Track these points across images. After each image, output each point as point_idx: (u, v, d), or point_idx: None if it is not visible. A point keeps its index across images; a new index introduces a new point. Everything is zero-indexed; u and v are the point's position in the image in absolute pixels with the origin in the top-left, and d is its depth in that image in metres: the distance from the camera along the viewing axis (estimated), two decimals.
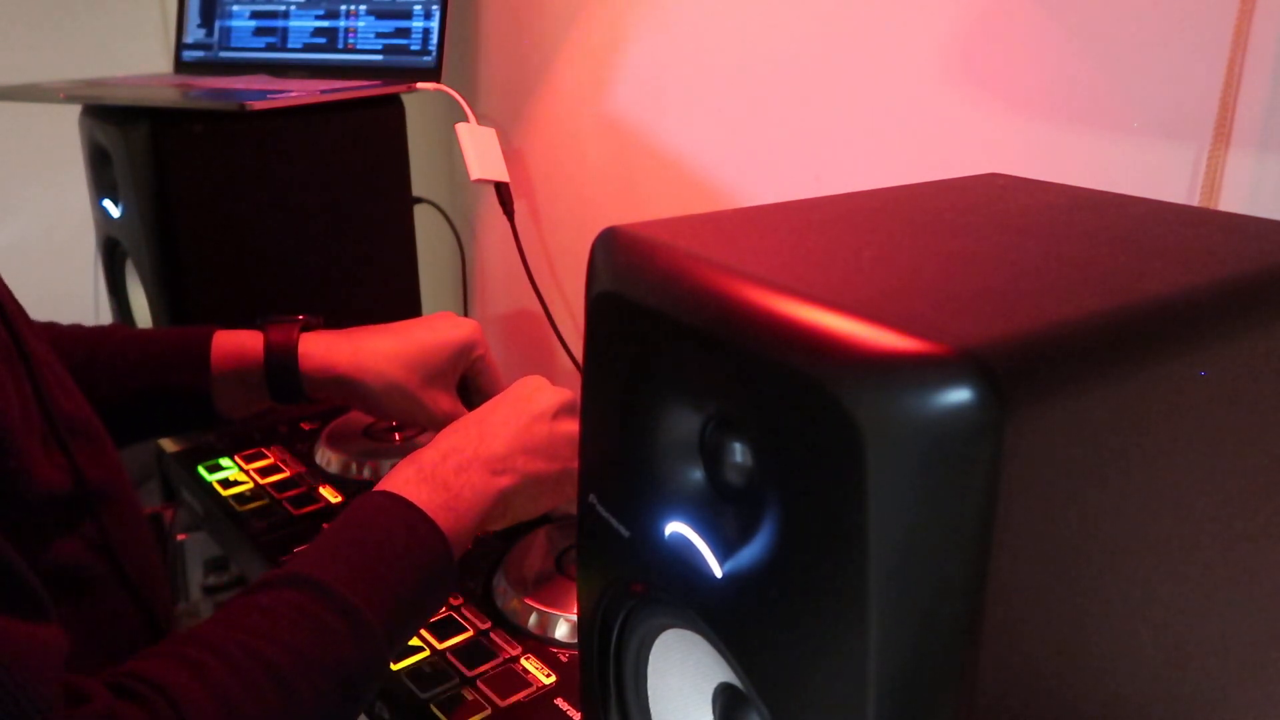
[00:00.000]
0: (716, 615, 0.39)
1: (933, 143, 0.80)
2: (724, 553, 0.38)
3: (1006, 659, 0.33)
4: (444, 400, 0.81)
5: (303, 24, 1.16)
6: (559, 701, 0.62)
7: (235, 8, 1.21)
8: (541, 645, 0.67)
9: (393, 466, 0.64)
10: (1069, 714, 0.37)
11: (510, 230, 1.08)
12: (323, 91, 0.99)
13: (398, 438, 0.94)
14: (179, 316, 0.98)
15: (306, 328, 0.81)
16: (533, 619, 0.69)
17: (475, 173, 1.05)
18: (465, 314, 1.37)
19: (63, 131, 1.07)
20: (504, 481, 0.64)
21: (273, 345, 0.79)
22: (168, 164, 0.94)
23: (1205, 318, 0.37)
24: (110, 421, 0.65)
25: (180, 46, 1.25)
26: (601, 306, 0.43)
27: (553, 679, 0.64)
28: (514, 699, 0.62)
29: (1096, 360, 0.33)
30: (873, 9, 0.82)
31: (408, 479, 0.62)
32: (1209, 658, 0.42)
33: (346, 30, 1.13)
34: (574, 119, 1.15)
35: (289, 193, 1.02)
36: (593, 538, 0.46)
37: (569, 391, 0.70)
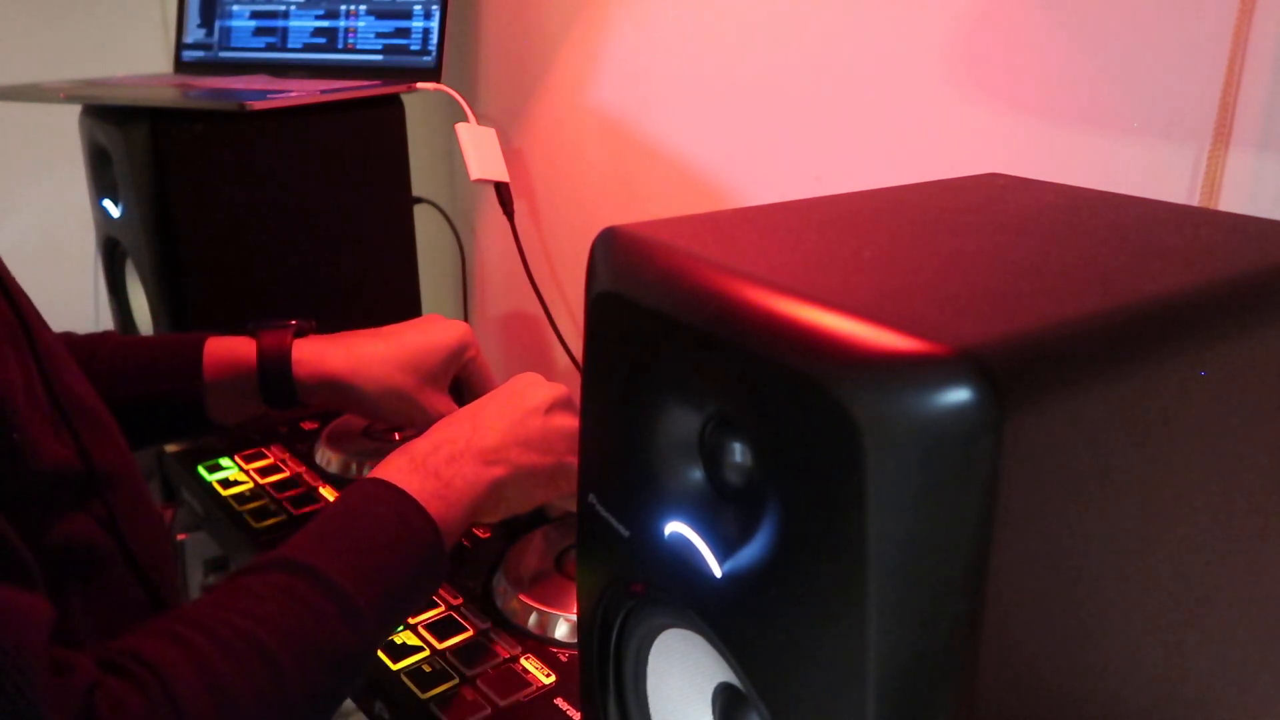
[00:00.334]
0: (716, 615, 0.39)
1: (933, 143, 0.80)
2: (724, 553, 0.38)
3: (1006, 659, 0.33)
4: (439, 401, 0.81)
5: (303, 24, 1.16)
6: (559, 701, 0.62)
7: (235, 8, 1.21)
8: (541, 645, 0.67)
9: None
10: (1069, 714, 0.37)
11: (510, 230, 1.08)
12: (323, 91, 0.99)
13: (397, 437, 0.94)
14: (179, 316, 0.98)
15: (299, 333, 0.81)
16: (533, 619, 0.69)
17: (475, 173, 1.06)
18: (465, 314, 1.37)
19: (63, 131, 1.07)
20: (496, 472, 0.64)
21: (265, 351, 0.79)
22: (168, 164, 0.94)
23: (1205, 318, 0.37)
24: None
25: (180, 46, 1.25)
26: (601, 306, 0.43)
27: (553, 679, 0.64)
28: (514, 699, 0.62)
29: (1096, 360, 0.33)
30: (873, 10, 0.82)
31: (399, 468, 0.62)
32: (1209, 658, 0.42)
33: (346, 30, 1.13)
34: (574, 119, 1.15)
35: (289, 193, 1.02)
36: (592, 538, 0.46)
37: (564, 387, 0.71)
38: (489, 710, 0.62)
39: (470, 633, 0.68)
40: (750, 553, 0.36)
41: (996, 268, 0.40)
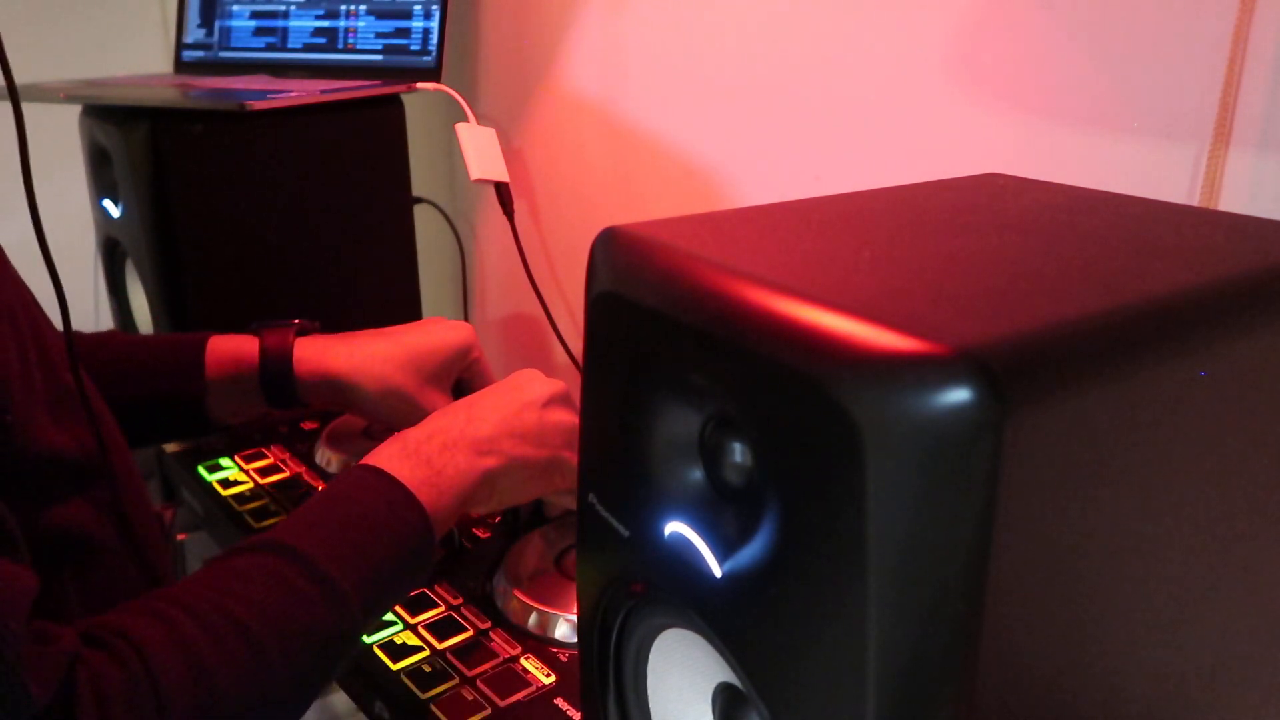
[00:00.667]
0: (716, 615, 0.39)
1: (933, 143, 0.80)
2: (724, 552, 0.38)
3: (1006, 659, 0.33)
4: (440, 402, 0.81)
5: (303, 24, 1.16)
6: (559, 701, 0.62)
7: (235, 8, 1.21)
8: (541, 645, 0.67)
9: None
10: (1069, 714, 0.37)
11: (510, 230, 1.08)
12: (323, 91, 0.99)
13: None
14: (179, 316, 0.98)
15: (301, 332, 0.81)
16: (533, 619, 0.69)
17: (475, 173, 1.05)
18: (465, 314, 1.37)
19: (63, 131, 1.07)
20: (489, 462, 0.64)
21: (267, 349, 0.79)
22: (167, 164, 0.94)
23: (1205, 318, 0.37)
24: None
25: (180, 46, 1.25)
26: (601, 306, 0.43)
27: (553, 679, 0.64)
28: (514, 699, 0.62)
29: (1096, 360, 0.33)
30: (874, 10, 0.82)
31: (391, 455, 0.62)
32: (1209, 657, 0.42)
33: (346, 30, 1.13)
34: (574, 119, 1.15)
35: (289, 193, 1.02)
36: (592, 538, 0.46)
37: (562, 383, 0.71)
38: (489, 710, 0.62)
39: (470, 633, 0.68)
40: (750, 553, 0.36)
41: (997, 268, 0.40)
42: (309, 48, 1.15)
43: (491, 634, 0.68)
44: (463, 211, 1.37)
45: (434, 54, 1.08)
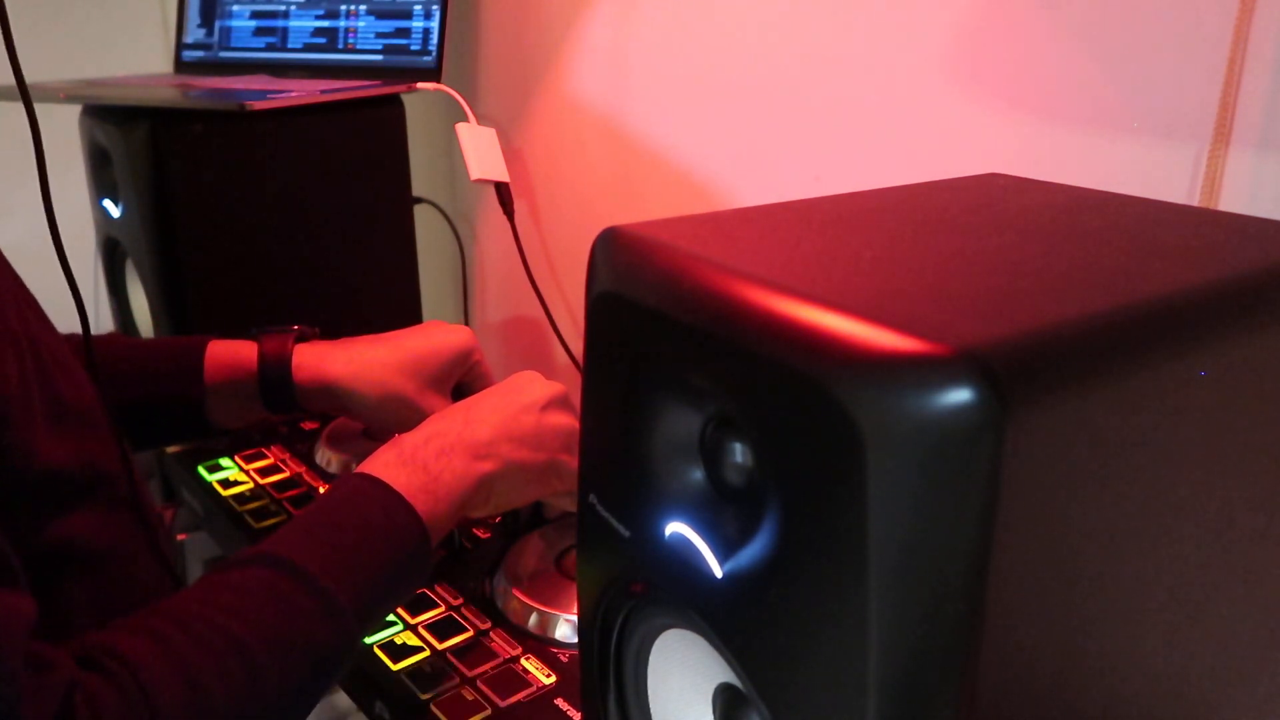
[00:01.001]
0: (716, 615, 0.39)
1: (933, 143, 0.80)
2: (724, 553, 0.38)
3: (1007, 659, 0.33)
4: (441, 406, 0.81)
5: (303, 24, 1.16)
6: (559, 701, 0.62)
7: (235, 8, 1.21)
8: (541, 645, 0.67)
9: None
10: (1069, 714, 0.37)
11: (510, 230, 1.08)
12: (323, 91, 0.99)
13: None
14: (179, 316, 0.98)
15: (301, 338, 0.80)
16: (533, 619, 0.69)
17: (475, 173, 1.05)
18: (465, 314, 1.37)
19: (63, 131, 1.07)
20: (486, 467, 0.64)
21: (266, 355, 0.78)
22: (167, 164, 0.94)
23: (1205, 318, 0.37)
24: None
25: (180, 46, 1.25)
26: (601, 306, 0.43)
27: (553, 679, 0.64)
28: (514, 699, 0.62)
29: (1096, 360, 0.33)
30: (874, 10, 0.82)
31: (388, 462, 0.62)
32: (1210, 658, 0.42)
33: (346, 30, 1.13)
34: (574, 119, 1.15)
35: (289, 193, 1.02)
36: (593, 538, 0.46)
37: (561, 385, 0.70)
38: (489, 710, 0.62)
39: (470, 633, 0.68)
40: (750, 553, 0.36)
41: (997, 268, 0.40)
42: (309, 48, 1.15)
43: (491, 634, 0.68)
44: (463, 212, 1.37)
45: (434, 54, 1.08)
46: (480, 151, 1.07)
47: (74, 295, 0.58)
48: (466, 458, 0.63)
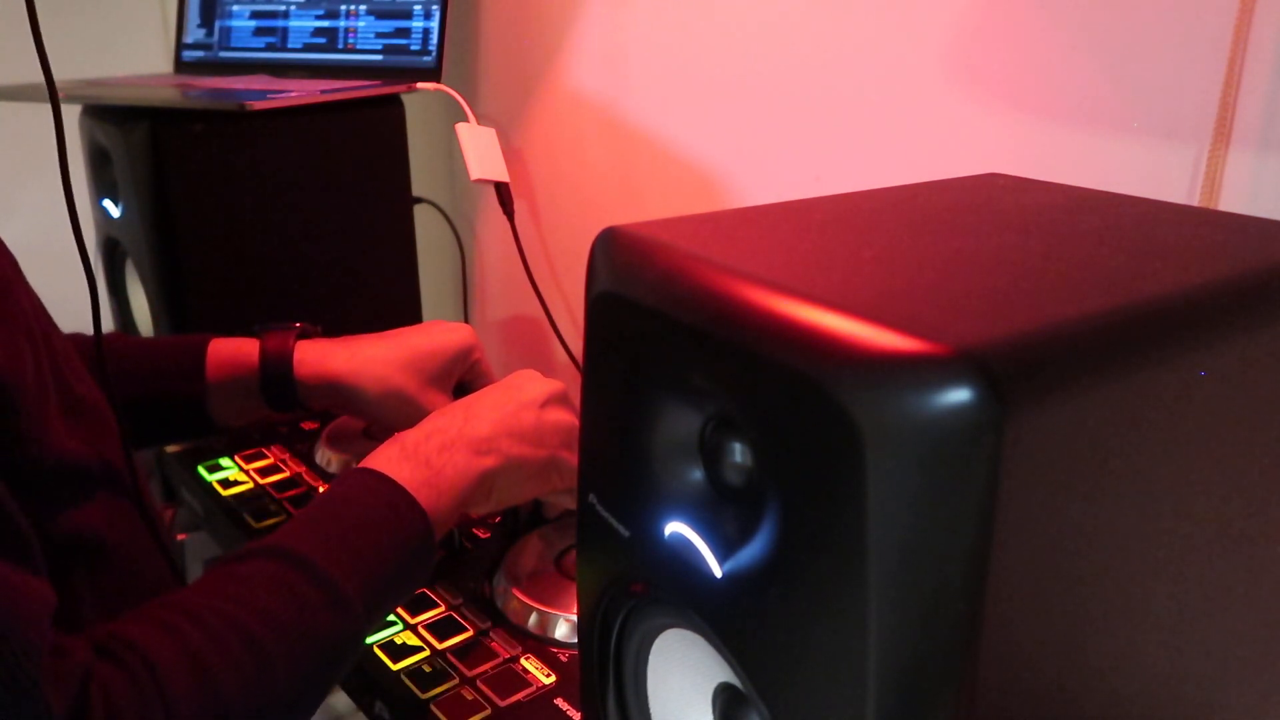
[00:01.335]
0: (716, 615, 0.39)
1: (933, 143, 0.80)
2: (724, 553, 0.38)
3: (1006, 659, 0.33)
4: (442, 404, 0.81)
5: (303, 24, 1.16)
6: (559, 701, 0.62)
7: (235, 8, 1.21)
8: (541, 645, 0.67)
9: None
10: (1069, 714, 0.37)
11: (510, 230, 1.08)
12: (323, 91, 0.99)
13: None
14: (179, 316, 0.98)
15: (303, 335, 0.81)
16: (533, 619, 0.69)
17: (475, 173, 1.05)
18: (465, 314, 1.37)
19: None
20: (487, 462, 0.64)
21: (268, 352, 0.79)
22: (167, 164, 0.94)
23: (1205, 318, 0.37)
24: None
25: (180, 46, 1.25)
26: (601, 306, 0.43)
27: (553, 679, 0.64)
28: (514, 699, 0.62)
29: (1096, 360, 0.33)
30: (874, 10, 0.82)
31: (390, 457, 0.62)
32: (1209, 658, 0.42)
33: (346, 30, 1.13)
34: (574, 119, 1.15)
35: (289, 193, 1.02)
36: (593, 538, 0.46)
37: (560, 383, 0.71)
38: (489, 710, 0.62)
39: (470, 633, 0.68)
40: (750, 553, 0.36)
41: (997, 268, 0.40)
42: (309, 48, 1.15)
43: (491, 634, 0.68)
44: (463, 211, 1.37)
45: (434, 54, 1.08)
46: (480, 151, 1.07)
47: (91, 291, 0.59)
48: (468, 453, 0.64)
